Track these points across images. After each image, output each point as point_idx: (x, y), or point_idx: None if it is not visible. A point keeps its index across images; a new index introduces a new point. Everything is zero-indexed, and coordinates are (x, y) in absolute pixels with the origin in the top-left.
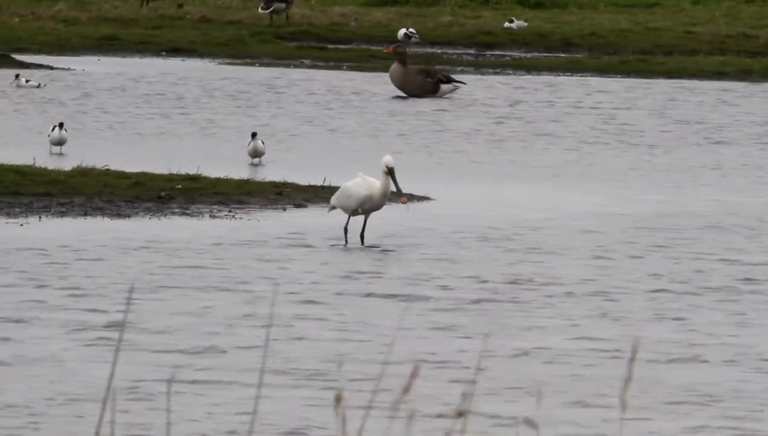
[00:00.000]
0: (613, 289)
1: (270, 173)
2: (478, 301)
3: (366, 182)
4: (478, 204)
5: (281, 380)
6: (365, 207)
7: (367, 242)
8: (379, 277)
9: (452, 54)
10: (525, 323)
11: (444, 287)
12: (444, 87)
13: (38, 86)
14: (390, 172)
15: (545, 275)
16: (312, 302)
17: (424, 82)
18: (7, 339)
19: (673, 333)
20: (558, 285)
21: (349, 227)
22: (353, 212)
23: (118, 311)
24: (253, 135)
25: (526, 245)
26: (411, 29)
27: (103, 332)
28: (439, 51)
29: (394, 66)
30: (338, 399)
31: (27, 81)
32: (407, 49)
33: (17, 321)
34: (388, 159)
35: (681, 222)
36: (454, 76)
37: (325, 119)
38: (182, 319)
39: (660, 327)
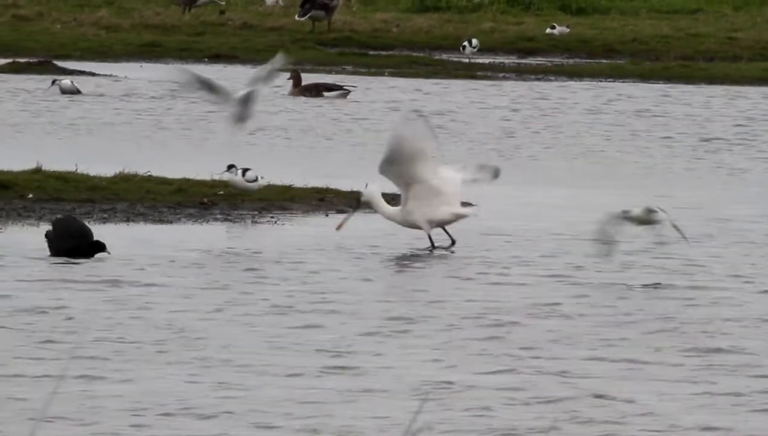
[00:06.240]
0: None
1: (312, 179)
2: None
3: None
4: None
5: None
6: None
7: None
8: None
9: (494, 60)
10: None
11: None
12: (327, 94)
13: (77, 92)
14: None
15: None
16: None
17: (309, 96)
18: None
19: None
20: None
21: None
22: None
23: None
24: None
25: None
26: (474, 40)
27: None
28: (481, 58)
29: (290, 89)
30: None
31: (71, 83)
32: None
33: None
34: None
35: None
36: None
37: (366, 123)
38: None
39: None
